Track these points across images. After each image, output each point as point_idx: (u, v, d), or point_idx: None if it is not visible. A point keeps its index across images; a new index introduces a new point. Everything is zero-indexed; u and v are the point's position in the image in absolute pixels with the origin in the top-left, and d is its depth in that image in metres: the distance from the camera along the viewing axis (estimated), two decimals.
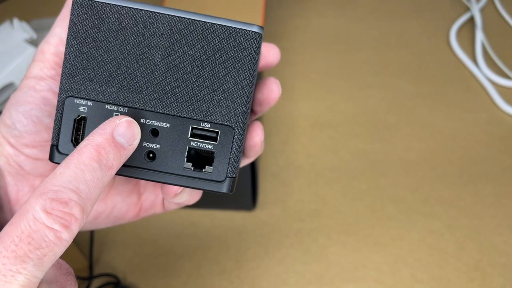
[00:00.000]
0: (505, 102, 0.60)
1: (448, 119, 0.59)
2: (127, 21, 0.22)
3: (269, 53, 0.29)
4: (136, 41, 0.22)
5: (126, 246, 0.48)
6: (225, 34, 0.23)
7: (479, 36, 0.67)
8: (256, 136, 0.27)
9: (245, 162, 0.30)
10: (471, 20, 0.72)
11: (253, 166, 0.46)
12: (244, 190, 0.48)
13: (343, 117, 0.60)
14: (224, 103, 0.23)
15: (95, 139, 0.21)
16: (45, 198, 0.19)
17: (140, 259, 0.47)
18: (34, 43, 0.54)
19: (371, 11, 0.74)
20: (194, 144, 0.23)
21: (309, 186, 0.53)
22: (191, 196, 0.28)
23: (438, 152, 0.56)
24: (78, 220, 0.19)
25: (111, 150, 0.21)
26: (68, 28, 0.23)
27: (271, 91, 0.28)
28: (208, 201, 0.50)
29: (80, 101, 0.23)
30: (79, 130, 0.23)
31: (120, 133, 0.22)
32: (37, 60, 0.27)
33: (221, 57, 0.23)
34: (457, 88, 0.63)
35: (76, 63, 0.23)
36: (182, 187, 0.26)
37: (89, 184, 0.20)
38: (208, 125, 0.23)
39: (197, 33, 0.23)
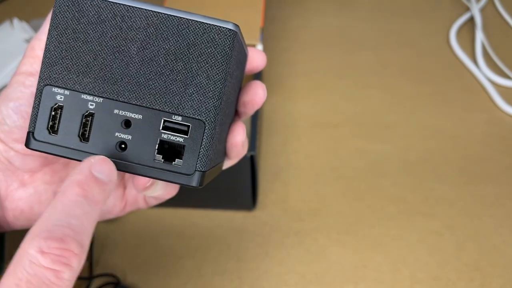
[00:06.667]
0: (505, 102, 0.60)
1: (448, 119, 0.59)
2: (106, 14, 0.23)
3: (255, 58, 0.29)
4: (114, 34, 0.23)
5: (126, 246, 0.48)
6: (200, 30, 0.23)
7: (479, 36, 0.67)
8: (238, 135, 0.27)
9: (228, 163, 0.30)
10: (471, 20, 0.72)
11: (253, 166, 0.46)
12: (244, 190, 0.48)
13: (343, 117, 0.60)
14: (196, 97, 0.23)
15: (76, 177, 0.21)
16: (38, 239, 0.18)
17: (140, 259, 0.47)
18: None
19: (371, 11, 0.74)
20: (165, 136, 0.23)
21: (309, 186, 0.53)
22: (165, 190, 0.28)
23: (438, 152, 0.56)
24: (77, 256, 0.19)
25: (94, 186, 0.21)
26: (50, 20, 0.23)
27: (256, 94, 0.28)
28: (208, 201, 0.50)
29: (57, 90, 0.23)
30: (56, 118, 0.23)
31: (97, 170, 0.22)
32: (27, 56, 0.27)
33: (194, 52, 0.23)
34: (457, 88, 0.63)
35: (55, 53, 0.23)
36: (151, 180, 0.26)
37: (80, 219, 0.20)
38: (180, 118, 0.23)
39: (173, 28, 0.23)
